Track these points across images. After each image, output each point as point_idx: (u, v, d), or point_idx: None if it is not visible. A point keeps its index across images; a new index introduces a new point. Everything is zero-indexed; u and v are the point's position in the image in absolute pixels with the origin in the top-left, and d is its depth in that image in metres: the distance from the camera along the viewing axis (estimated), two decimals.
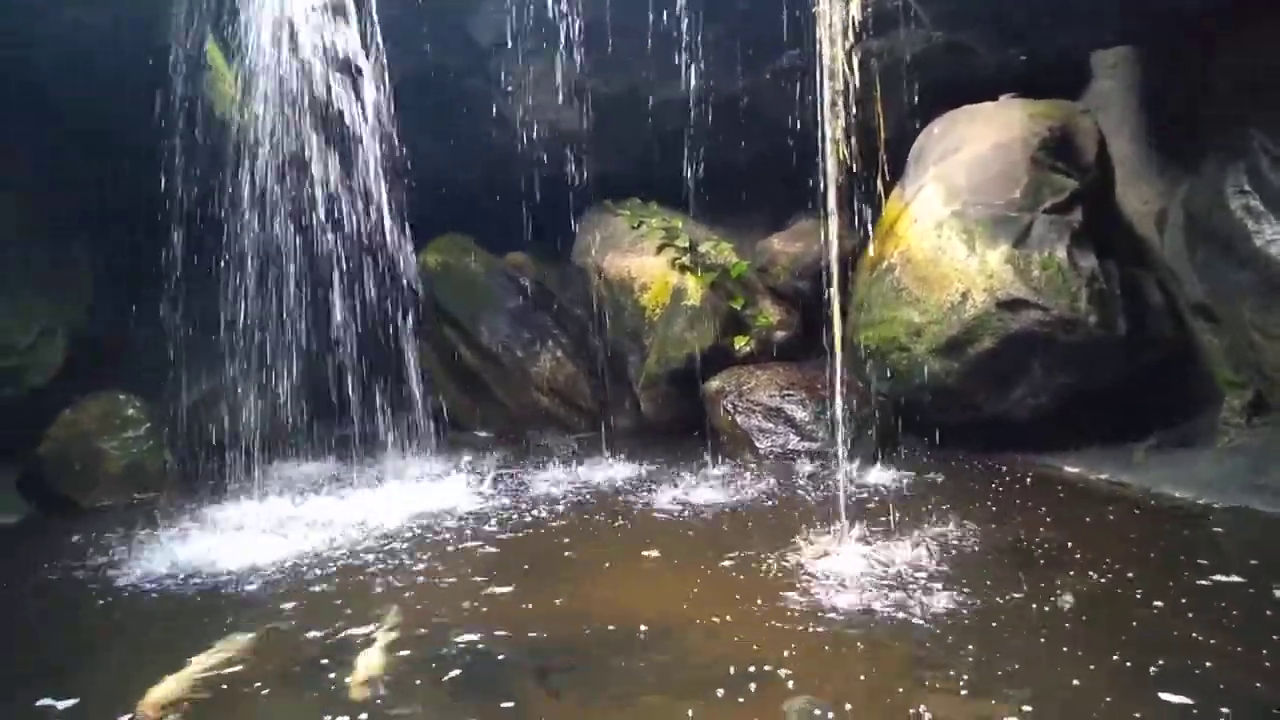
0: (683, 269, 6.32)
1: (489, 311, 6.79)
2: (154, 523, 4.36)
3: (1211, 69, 4.03)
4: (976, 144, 5.26)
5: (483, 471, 5.41)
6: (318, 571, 3.54)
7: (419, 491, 4.87)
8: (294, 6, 5.41)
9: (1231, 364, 4.50)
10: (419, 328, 6.09)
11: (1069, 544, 3.49)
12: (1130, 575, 3.07)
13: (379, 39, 5.63)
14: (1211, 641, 2.49)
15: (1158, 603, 2.79)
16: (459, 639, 2.76)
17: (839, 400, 4.00)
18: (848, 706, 2.18)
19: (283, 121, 5.45)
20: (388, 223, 5.82)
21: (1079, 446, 4.87)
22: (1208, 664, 2.32)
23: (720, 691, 2.31)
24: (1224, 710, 2.06)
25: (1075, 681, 2.28)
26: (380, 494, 4.86)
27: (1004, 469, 4.81)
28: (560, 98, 6.21)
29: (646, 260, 6.48)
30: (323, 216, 5.69)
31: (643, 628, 2.80)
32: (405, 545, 3.86)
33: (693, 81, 5.92)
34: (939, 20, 5.33)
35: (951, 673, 2.37)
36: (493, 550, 3.80)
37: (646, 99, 6.23)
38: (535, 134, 6.40)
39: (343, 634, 2.86)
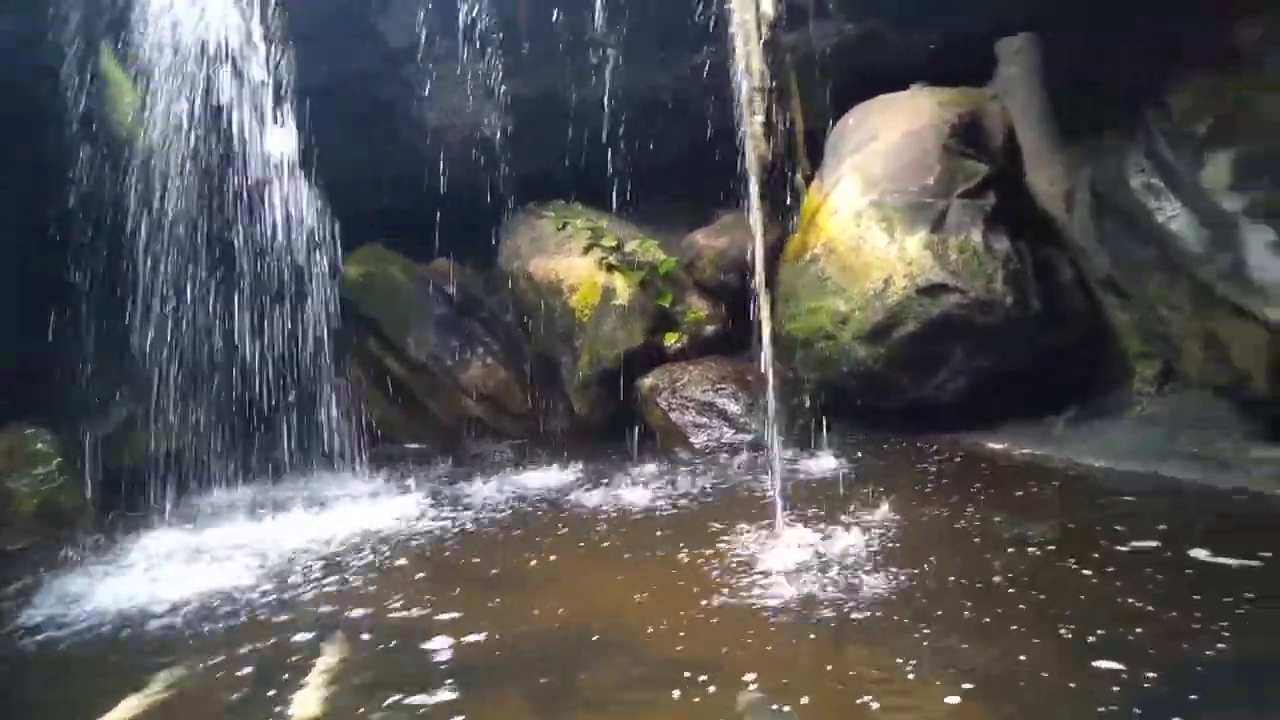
0: (610, 269, 6.32)
1: (415, 321, 6.69)
2: (70, 562, 4.17)
3: (1108, 52, 4.19)
4: (890, 133, 5.38)
5: (416, 485, 5.32)
6: (249, 602, 3.42)
7: (350, 511, 4.76)
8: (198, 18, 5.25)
9: (1140, 336, 4.69)
10: (343, 341, 5.97)
11: (999, 519, 3.59)
12: (1058, 547, 3.17)
13: (288, 45, 5.50)
14: (1138, 606, 2.59)
15: (1086, 571, 2.89)
16: (405, 661, 2.70)
17: (770, 392, 4.04)
18: (801, 699, 2.20)
19: (184, 135, 5.27)
20: (304, 234, 5.69)
21: (1001, 423, 5.02)
22: (1137, 629, 2.41)
23: (676, 693, 2.32)
24: (1150, 674, 2.14)
25: (1016, 655, 2.34)
26: (310, 516, 4.74)
27: (933, 449, 4.93)
28: (477, 101, 6.15)
29: (574, 261, 6.46)
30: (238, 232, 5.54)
31: (594, 635, 2.79)
32: (339, 568, 3.77)
33: (610, 80, 5.92)
34: (847, 11, 5.42)
35: (897, 656, 2.41)
36: (431, 567, 3.73)
37: (565, 99, 6.20)
38: (454, 138, 6.33)
39: (279, 667, 2.78)
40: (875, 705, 2.16)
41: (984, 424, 5.04)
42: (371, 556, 3.92)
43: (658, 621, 2.83)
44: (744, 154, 3.98)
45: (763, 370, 4.03)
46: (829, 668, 2.42)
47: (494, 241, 7.00)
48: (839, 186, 5.44)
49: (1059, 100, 5.26)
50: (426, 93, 6.29)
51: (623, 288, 6.27)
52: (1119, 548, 3.12)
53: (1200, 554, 2.98)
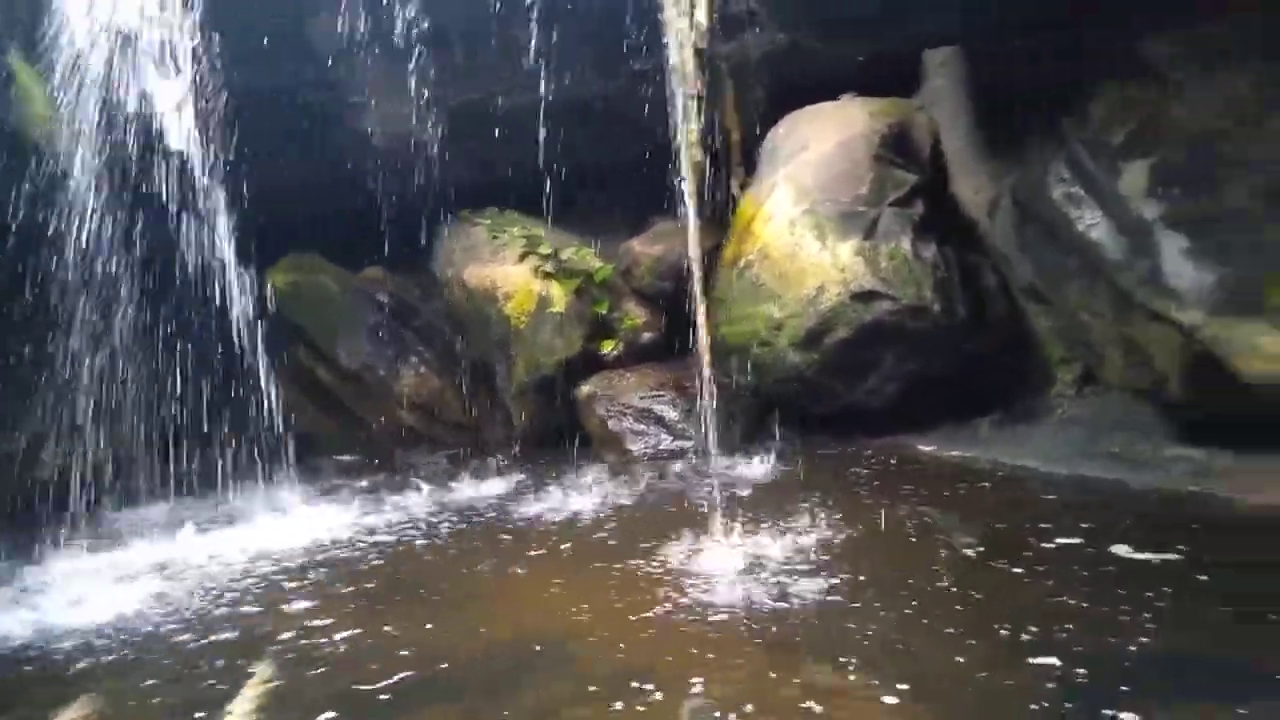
0: (546, 276, 6.28)
1: (347, 330, 6.55)
2: None
3: (1029, 65, 4.33)
4: (822, 143, 5.47)
5: (347, 498, 5.20)
6: (173, 625, 3.29)
7: (278, 525, 4.63)
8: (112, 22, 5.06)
9: (1061, 342, 4.84)
10: (271, 351, 5.80)
11: (932, 520, 3.66)
12: (989, 546, 3.24)
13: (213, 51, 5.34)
14: (1068, 603, 2.66)
15: (1017, 570, 2.96)
16: (337, 682, 2.62)
17: (708, 398, 4.06)
18: (745, 706, 2.20)
19: (95, 138, 5.07)
20: (227, 242, 5.52)
21: (931, 427, 5.13)
22: (1068, 626, 2.47)
23: (620, 705, 2.29)
24: (1081, 669, 2.19)
25: (953, 655, 2.38)
26: (236, 531, 4.59)
27: (867, 453, 5.01)
28: (409, 107, 6.05)
29: (509, 269, 6.41)
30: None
31: (536, 647, 2.75)
32: (266, 585, 3.66)
33: (545, 88, 5.89)
34: (778, 22, 5.50)
35: (838, 658, 2.43)
36: (366, 582, 3.64)
37: (499, 106, 6.15)
38: (386, 145, 6.22)
39: (203, 692, 2.67)
40: (818, 709, 2.17)
41: (915, 427, 5.14)
42: (300, 573, 3.81)
43: (599, 632, 2.80)
44: (680, 162, 3.99)
45: (700, 377, 4.04)
46: (772, 673, 2.42)
47: (428, 249, 6.90)
48: (773, 195, 5.50)
49: (983, 111, 5.42)
50: (358, 100, 6.17)
51: (559, 295, 6.23)
52: (1046, 546, 3.20)
53: (1122, 550, 3.08)
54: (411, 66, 5.81)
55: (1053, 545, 3.20)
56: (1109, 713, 1.99)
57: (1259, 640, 2.35)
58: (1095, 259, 3.73)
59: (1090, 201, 3.73)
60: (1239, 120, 3.25)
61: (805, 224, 5.14)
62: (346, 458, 6.46)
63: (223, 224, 5.41)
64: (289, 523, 4.69)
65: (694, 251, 4.00)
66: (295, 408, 6.14)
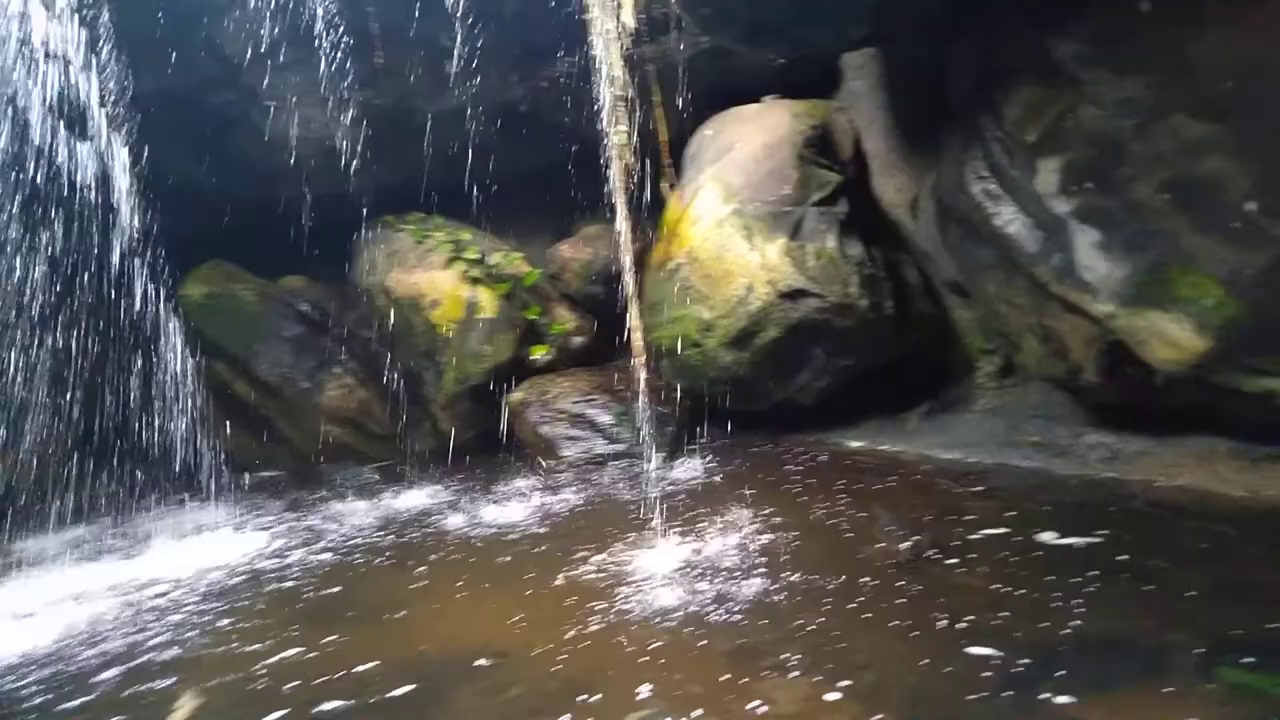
0: (474, 282, 6.19)
1: (266, 342, 6.34)
2: None
3: (947, 65, 4.44)
4: (747, 144, 5.51)
5: (272, 515, 5.04)
6: (91, 655, 3.13)
7: (202, 546, 4.46)
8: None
9: (982, 334, 4.98)
10: (186, 366, 5.58)
11: (862, 514, 3.72)
12: (921, 538, 3.30)
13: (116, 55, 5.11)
14: (1001, 590, 2.73)
15: (951, 560, 3.03)
16: (269, 707, 2.52)
17: (643, 401, 4.05)
18: (693, 710, 2.19)
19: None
20: (138, 252, 5.29)
21: (861, 422, 5.22)
22: (1002, 613, 2.53)
23: (567, 717, 2.26)
24: (1019, 656, 2.25)
25: (892, 649, 2.42)
26: (156, 554, 4.40)
27: (799, 450, 5.07)
28: (328, 111, 5.89)
29: (436, 275, 6.29)
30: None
31: (477, 661, 2.69)
32: (192, 610, 3.51)
33: (468, 91, 5.81)
34: (700, 26, 5.53)
35: (781, 658, 2.45)
36: (293, 601, 3.52)
37: (422, 110, 6.04)
38: (304, 150, 6.03)
39: (147, 713, 2.55)
40: (764, 709, 2.18)
41: (845, 423, 5.23)
42: (225, 595, 3.67)
43: (540, 643, 2.76)
44: (609, 164, 3.97)
45: (635, 380, 4.03)
46: (717, 676, 2.42)
47: (350, 257, 6.73)
48: (699, 196, 5.52)
49: (902, 112, 5.54)
50: (274, 103, 5.98)
51: (488, 301, 6.15)
52: (975, 537, 3.28)
53: (1048, 537, 3.18)
54: (330, 68, 5.65)
55: (981, 535, 3.29)
56: (1045, 697, 2.04)
57: (1182, 619, 2.44)
58: (1013, 253, 3.85)
59: (1007, 198, 3.85)
60: (1142, 119, 3.39)
61: (733, 224, 5.17)
62: (270, 474, 6.25)
63: (134, 232, 5.18)
64: (210, 543, 4.51)
65: (626, 255, 3.99)
66: (215, 424, 5.93)
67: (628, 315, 4.04)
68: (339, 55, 5.59)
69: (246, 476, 6.12)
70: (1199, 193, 3.28)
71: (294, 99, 5.89)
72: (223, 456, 5.87)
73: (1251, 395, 3.29)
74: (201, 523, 4.99)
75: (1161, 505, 3.43)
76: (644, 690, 2.33)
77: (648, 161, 4.94)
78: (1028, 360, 4.26)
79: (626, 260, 3.97)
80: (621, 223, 3.91)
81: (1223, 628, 2.31)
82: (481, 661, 2.69)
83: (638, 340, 4.17)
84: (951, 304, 5.12)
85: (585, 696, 2.34)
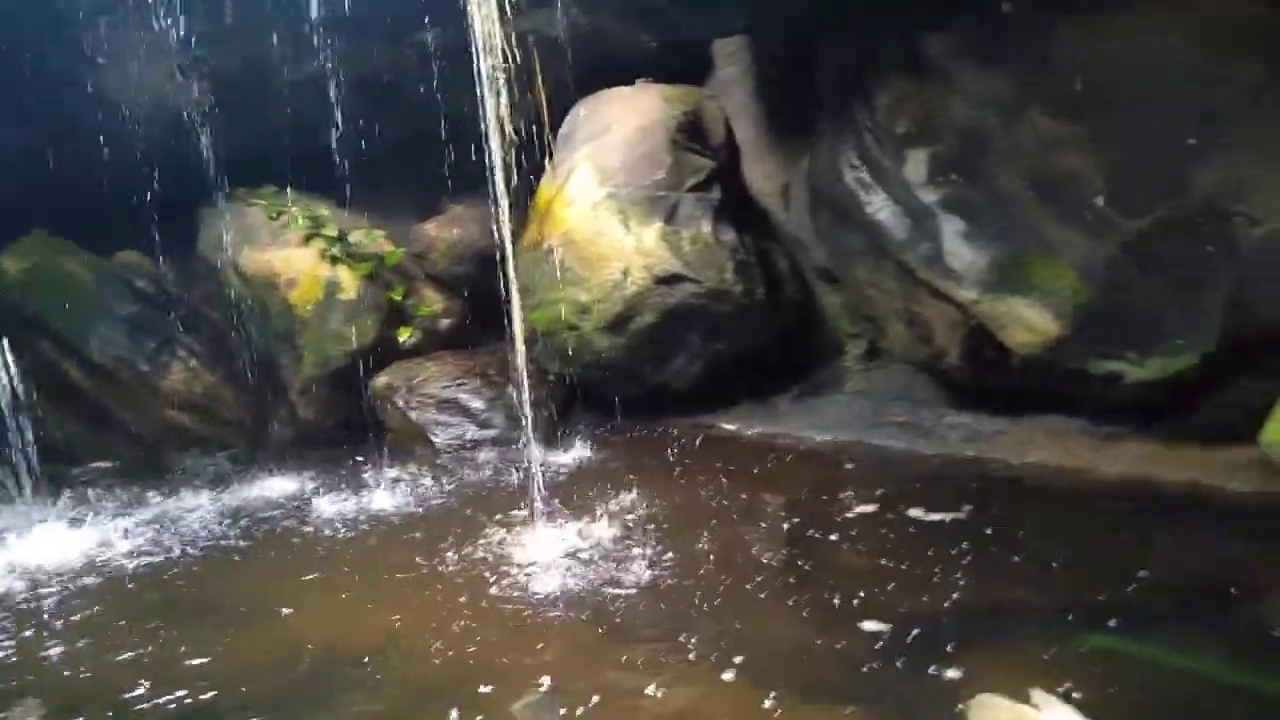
0: (334, 260, 5.86)
1: (98, 321, 5.78)
2: None
3: (818, 55, 4.53)
4: (621, 127, 5.45)
5: (110, 509, 4.62)
6: None
7: (32, 545, 4.02)
8: None
9: (849, 319, 5.14)
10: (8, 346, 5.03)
11: (742, 496, 3.76)
12: (799, 517, 3.37)
13: None
14: (884, 565, 2.81)
15: (833, 537, 3.09)
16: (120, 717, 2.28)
17: (524, 385, 3.95)
18: (587, 696, 2.12)
19: None
20: None
21: (735, 405, 5.29)
22: (887, 588, 2.60)
23: (455, 713, 2.15)
24: (909, 632, 2.30)
25: (783, 627, 2.43)
26: None
27: (674, 433, 5.09)
28: (169, 72, 5.42)
29: (291, 254, 5.92)
30: None
31: (357, 658, 2.53)
32: (24, 619, 3.15)
33: (327, 56, 5.48)
34: (577, 3, 5.43)
35: (675, 639, 2.42)
36: (140, 602, 3.22)
37: (275, 75, 5.64)
38: (142, 114, 5.53)
39: None
40: (657, 693, 2.14)
41: (719, 407, 5.28)
42: (62, 597, 3.32)
43: (423, 638, 2.63)
44: (487, 135, 3.81)
45: (514, 364, 3.91)
46: (606, 660, 2.37)
47: (194, 231, 6.24)
48: (573, 178, 5.43)
49: (771, 99, 5.63)
50: (104, 61, 5.44)
51: (349, 281, 5.84)
52: (849, 514, 3.37)
53: (917, 513, 3.30)
54: (171, 25, 5.20)
55: (855, 513, 3.38)
56: (933, 666, 2.10)
57: (1050, 587, 2.58)
58: (882, 240, 3.98)
59: (877, 187, 3.97)
60: (1006, 114, 3.56)
61: (608, 208, 5.12)
62: (106, 464, 5.72)
63: None
64: (42, 541, 4.08)
65: (505, 232, 3.85)
66: (41, 410, 5.37)
67: (507, 297, 3.90)
68: (183, 10, 5.15)
69: (78, 468, 5.59)
70: (1057, 186, 3.48)
71: (130, 56, 5.40)
72: (52, 447, 5.34)
73: (1098, 376, 3.52)
74: (32, 518, 4.51)
75: (1020, 481, 3.63)
76: (535, 679, 2.25)
77: (525, 139, 4.80)
78: (895, 343, 4.42)
79: (506, 237, 3.83)
80: (501, 199, 3.77)
81: (1087, 594, 2.45)
82: (362, 658, 2.53)
83: (520, 322, 4.05)
84: (820, 290, 5.26)
85: (475, 688, 2.24)
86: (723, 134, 5.68)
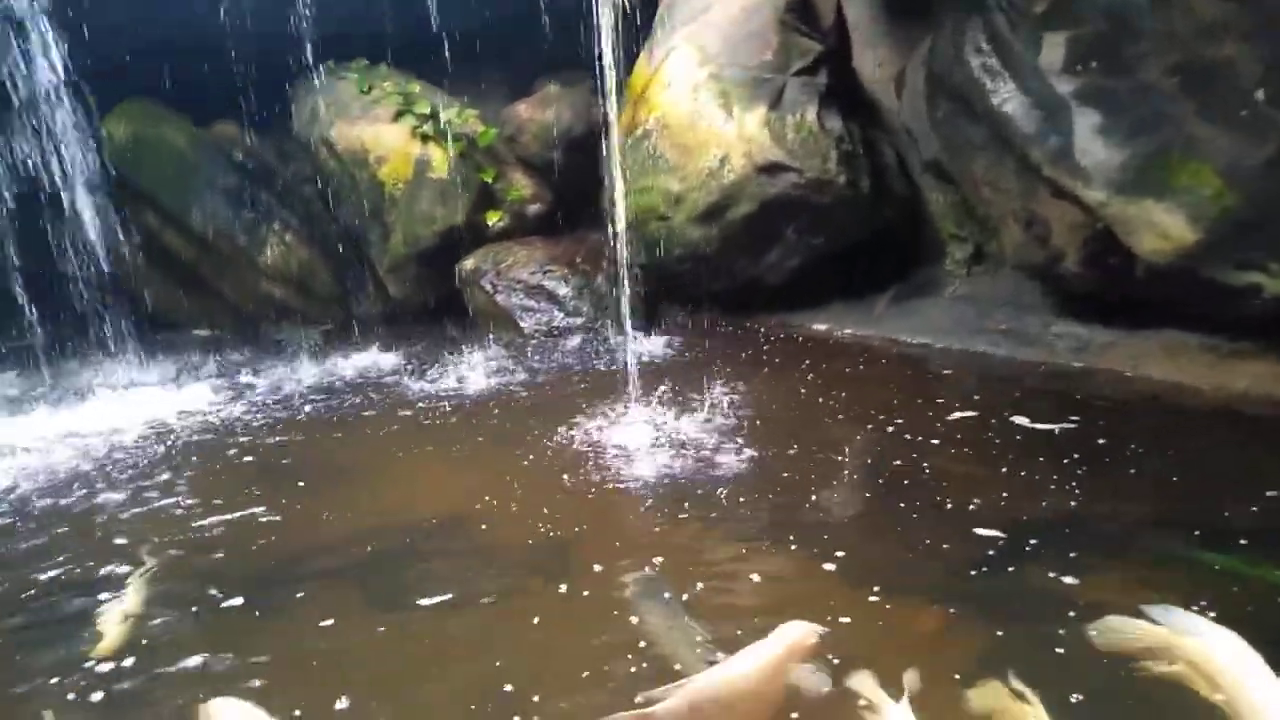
0: (425, 138, 5.80)
1: (198, 192, 5.89)
2: None
3: None
4: (725, 5, 5.18)
5: (214, 375, 4.77)
6: (34, 508, 2.92)
7: (144, 402, 4.20)
8: None
9: (956, 219, 4.89)
10: (111, 211, 5.15)
11: (837, 395, 3.67)
12: (896, 419, 3.26)
13: None
14: (990, 470, 2.71)
15: (934, 441, 2.99)
16: (226, 567, 2.37)
17: (624, 274, 3.88)
18: (696, 586, 2.10)
19: None
20: (60, 83, 4.77)
21: (825, 305, 5.15)
22: (992, 494, 2.50)
23: (564, 586, 2.17)
24: (1027, 540, 2.21)
25: (887, 526, 2.37)
26: (94, 408, 4.13)
27: (761, 330, 4.99)
28: None
29: (382, 130, 5.88)
30: None
31: (453, 524, 2.58)
32: (141, 466, 3.30)
33: None
34: None
35: (773, 529, 2.39)
36: (249, 461, 3.34)
37: None
38: None
39: (80, 580, 2.37)
40: (756, 578, 2.12)
41: (808, 306, 5.15)
42: (182, 450, 3.47)
43: (516, 508, 2.66)
44: (597, 13, 3.62)
45: (613, 252, 3.82)
46: (706, 545, 2.35)
47: (287, 105, 6.22)
48: (671, 59, 5.21)
49: None
50: None
51: (439, 160, 5.79)
52: (951, 418, 3.25)
53: (1023, 421, 3.16)
54: None
55: (957, 418, 3.26)
56: (1048, 580, 2.02)
57: (1163, 504, 2.44)
58: (1006, 133, 3.71)
59: (1005, 74, 3.68)
60: None
61: (709, 90, 4.91)
62: (206, 332, 5.93)
63: (54, 60, 4.64)
64: (147, 400, 4.25)
65: (611, 111, 3.69)
66: (144, 277, 5.54)
67: (612, 182, 3.78)
68: None
69: (180, 334, 5.80)
70: (1209, 78, 3.16)
71: None
72: (155, 313, 5.52)
73: (1234, 289, 3.27)
74: (136, 380, 4.70)
75: (1132, 395, 3.44)
76: (639, 558, 2.24)
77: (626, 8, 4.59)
78: (1007, 246, 4.18)
79: (612, 117, 3.68)
80: (608, 74, 3.59)
81: (1212, 513, 2.32)
82: (468, 528, 2.57)
83: (621, 210, 3.94)
84: (926, 187, 5.00)
85: (584, 563, 2.25)
86: (833, 15, 5.35)
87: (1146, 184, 3.37)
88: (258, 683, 1.81)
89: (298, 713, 1.69)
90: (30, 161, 4.90)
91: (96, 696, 1.80)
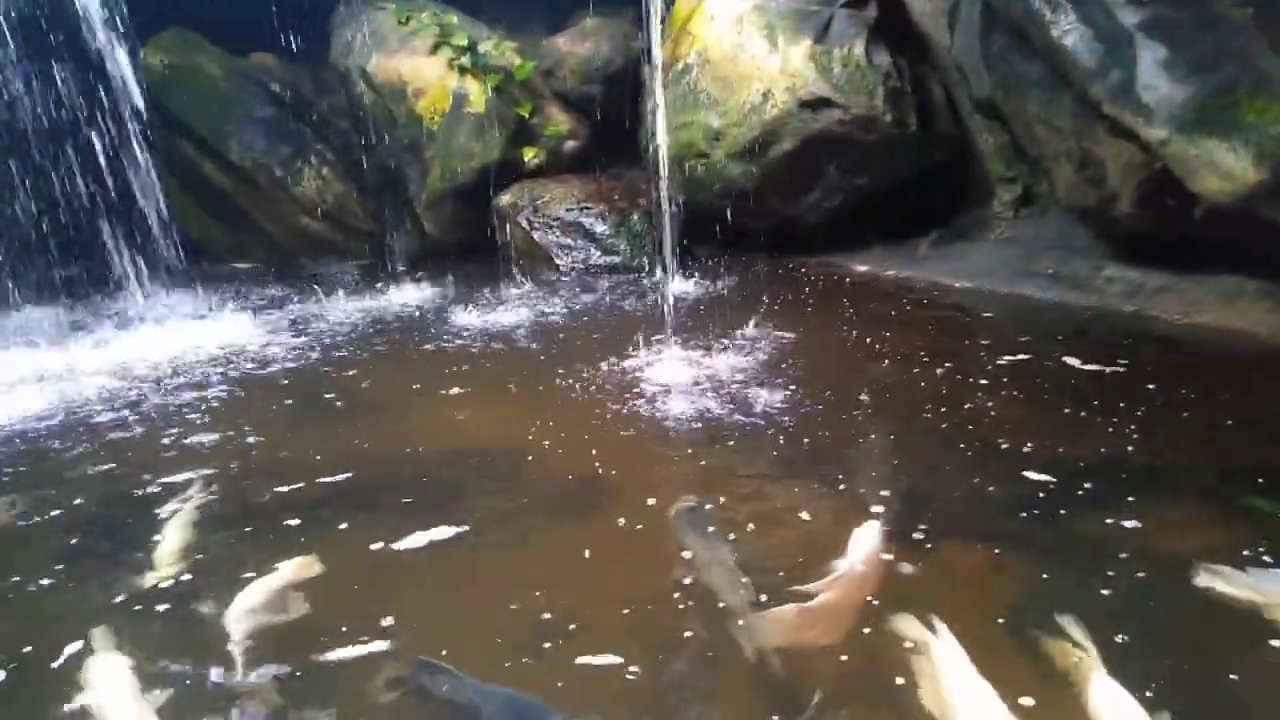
0: (462, 71, 5.71)
1: (235, 122, 5.86)
2: None
3: None
4: None
5: (251, 306, 4.81)
6: (87, 433, 2.97)
7: (185, 333, 4.24)
8: None
9: (1004, 160, 4.75)
10: (151, 141, 5.15)
11: (881, 336, 3.61)
12: (942, 361, 3.21)
13: None
14: (1039, 413, 2.66)
15: (983, 382, 2.94)
16: (269, 496, 2.40)
17: (666, 211, 3.82)
18: (748, 527, 2.09)
19: None
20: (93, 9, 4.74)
21: (865, 246, 5.06)
22: (1047, 435, 2.46)
23: (622, 520, 2.17)
24: (1079, 482, 2.17)
25: (935, 467, 2.34)
26: (138, 338, 4.18)
27: (801, 271, 4.92)
28: None
29: (419, 62, 5.79)
30: None
31: (491, 456, 2.59)
32: (189, 394, 3.34)
33: None
34: None
35: (820, 468, 2.37)
36: (292, 392, 3.37)
37: None
38: None
39: (133, 497, 2.42)
40: (805, 515, 2.11)
41: (847, 247, 5.06)
42: (227, 379, 3.51)
43: (558, 442, 2.66)
44: None
45: (650, 189, 3.76)
46: (752, 484, 2.34)
47: (323, 35, 6.15)
48: None
49: None
50: None
51: (476, 94, 5.70)
52: (999, 362, 3.19)
53: (1074, 363, 3.10)
54: None
55: (1006, 360, 3.20)
56: (1100, 523, 1.99)
57: (1217, 450, 2.39)
58: (1065, 67, 3.57)
59: (1068, 6, 3.52)
60: None
61: (754, 22, 4.77)
62: (243, 265, 5.96)
63: None
64: (197, 330, 4.30)
65: (654, 43, 3.58)
66: (181, 209, 5.55)
67: (650, 117, 3.69)
68: None
69: (217, 266, 5.84)
70: None
71: None
72: (193, 245, 5.54)
73: None
74: (179, 311, 4.75)
75: (1185, 340, 3.36)
76: (682, 495, 2.24)
77: None
78: (1058, 187, 4.06)
79: (656, 50, 3.56)
80: (653, 2, 3.47)
81: (1258, 459, 2.27)
82: (496, 457, 2.58)
83: (664, 145, 3.86)
84: (975, 126, 4.84)
85: (634, 498, 2.25)
86: None
87: (1211, 121, 3.23)
88: (306, 601, 1.84)
89: (344, 628, 1.72)
90: (73, 92, 4.90)
91: (153, 612, 1.84)
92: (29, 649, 1.74)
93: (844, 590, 1.74)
